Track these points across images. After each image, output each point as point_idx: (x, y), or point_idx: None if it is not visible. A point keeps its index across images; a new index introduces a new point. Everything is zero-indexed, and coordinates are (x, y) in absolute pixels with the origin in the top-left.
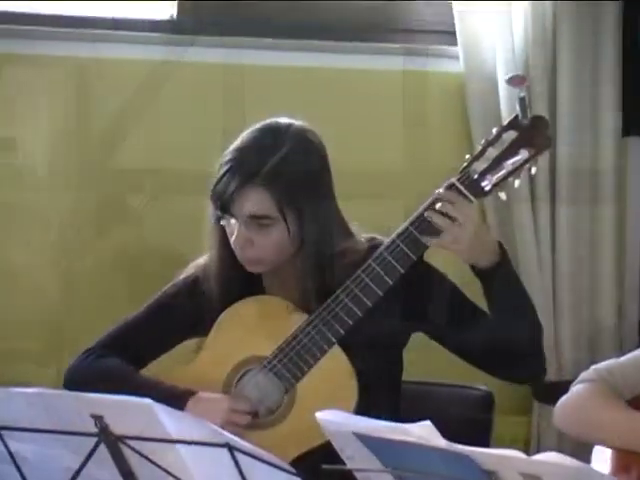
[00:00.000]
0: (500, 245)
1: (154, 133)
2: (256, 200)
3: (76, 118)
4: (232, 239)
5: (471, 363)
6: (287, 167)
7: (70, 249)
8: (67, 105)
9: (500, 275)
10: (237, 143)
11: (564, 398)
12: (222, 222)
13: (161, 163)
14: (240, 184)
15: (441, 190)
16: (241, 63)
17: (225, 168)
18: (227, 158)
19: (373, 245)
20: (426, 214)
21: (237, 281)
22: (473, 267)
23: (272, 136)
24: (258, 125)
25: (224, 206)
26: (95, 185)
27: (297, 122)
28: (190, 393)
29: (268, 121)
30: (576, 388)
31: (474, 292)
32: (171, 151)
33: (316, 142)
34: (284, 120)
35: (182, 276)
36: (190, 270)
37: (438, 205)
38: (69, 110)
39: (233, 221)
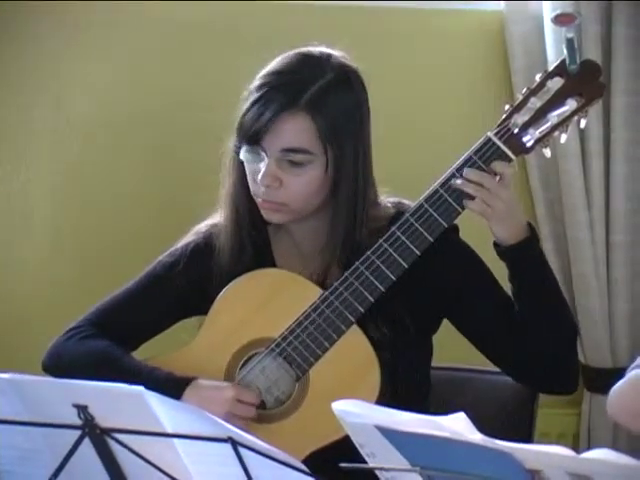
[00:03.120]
0: (531, 227)
1: None
2: (296, 130)
3: None
4: (257, 177)
5: (495, 363)
6: (332, 96)
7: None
8: None
9: (527, 254)
10: (269, 69)
11: (618, 385)
12: (244, 156)
13: None
14: (278, 111)
15: (477, 145)
16: None
17: (258, 94)
18: (258, 83)
19: (400, 211)
20: (459, 174)
21: (248, 241)
22: (497, 247)
23: (311, 63)
24: (290, 53)
25: (255, 137)
26: None
27: (336, 52)
28: (188, 380)
29: (301, 49)
30: (633, 373)
31: None
32: None
33: (360, 78)
34: (320, 49)
35: (180, 243)
36: (190, 237)
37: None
38: None
39: (261, 157)
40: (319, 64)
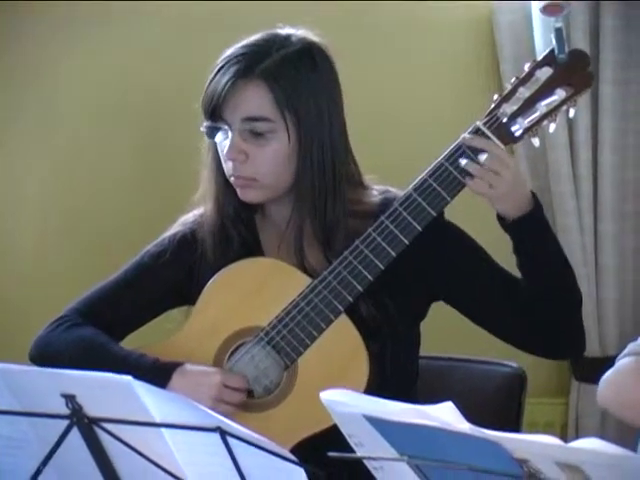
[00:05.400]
0: (534, 195)
1: None
2: (253, 97)
3: None
4: (224, 153)
5: (500, 337)
6: (289, 66)
7: None
8: None
9: (532, 226)
10: (231, 47)
11: (608, 373)
12: (208, 132)
13: None
14: (234, 79)
15: (466, 135)
16: None
17: (217, 67)
18: (219, 59)
19: (387, 199)
20: (448, 164)
21: (234, 232)
22: (501, 220)
23: (272, 38)
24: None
25: (215, 110)
26: None
27: (301, 31)
28: (176, 365)
29: (265, 31)
30: (622, 362)
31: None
32: None
33: (324, 54)
34: (288, 29)
35: (168, 234)
36: (177, 227)
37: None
38: None
39: (227, 134)
40: (280, 39)
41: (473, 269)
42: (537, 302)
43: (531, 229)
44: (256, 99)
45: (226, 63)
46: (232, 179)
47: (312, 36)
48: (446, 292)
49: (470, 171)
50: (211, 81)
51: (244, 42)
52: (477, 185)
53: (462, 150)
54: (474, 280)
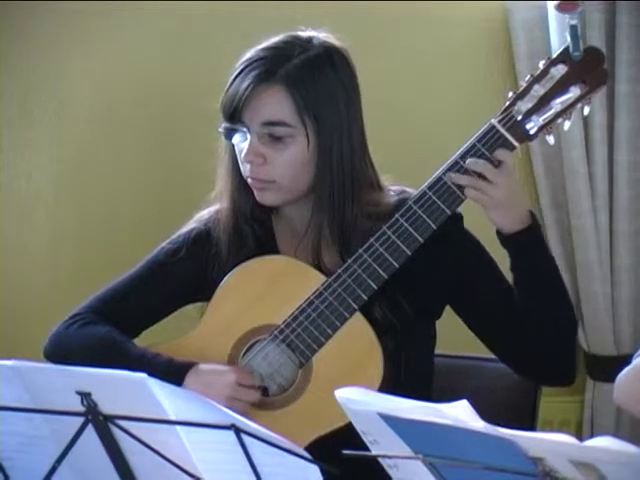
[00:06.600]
0: (532, 214)
1: None
2: (273, 102)
3: None
4: (242, 156)
5: (496, 355)
6: (311, 71)
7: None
8: None
9: (527, 243)
10: (253, 48)
11: (626, 371)
12: (226, 134)
13: None
14: (255, 83)
15: (480, 133)
16: None
17: (238, 69)
18: (241, 61)
19: (403, 198)
20: (462, 162)
21: (249, 230)
22: (499, 234)
23: (293, 41)
24: (276, 37)
25: (235, 113)
26: None
27: (323, 34)
28: (189, 365)
29: (287, 33)
30: (639, 360)
31: None
32: None
33: (345, 58)
34: (309, 32)
35: (183, 230)
36: (193, 224)
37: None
38: None
39: (246, 136)
40: (301, 42)
41: (483, 281)
42: (528, 321)
43: (526, 246)
44: (276, 104)
45: (247, 66)
46: (249, 180)
47: (333, 40)
48: (452, 298)
49: (459, 181)
50: (232, 83)
51: (265, 44)
52: (469, 192)
53: (476, 149)
54: (480, 292)
